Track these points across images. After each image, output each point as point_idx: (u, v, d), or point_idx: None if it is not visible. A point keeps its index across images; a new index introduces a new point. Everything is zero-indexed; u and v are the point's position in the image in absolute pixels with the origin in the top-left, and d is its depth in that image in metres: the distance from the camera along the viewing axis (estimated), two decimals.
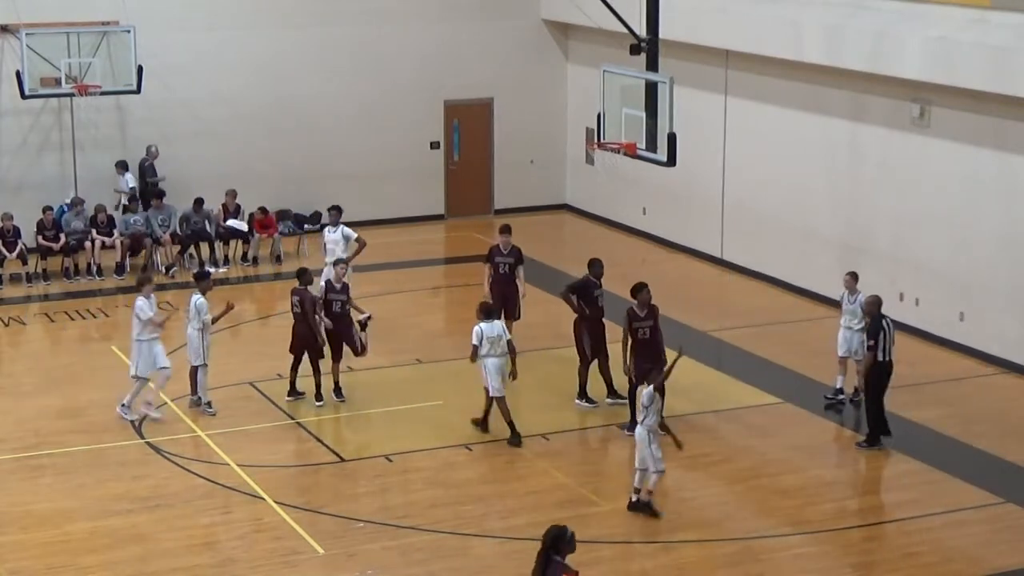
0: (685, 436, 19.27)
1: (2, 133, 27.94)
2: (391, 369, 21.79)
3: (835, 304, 21.06)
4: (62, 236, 26.64)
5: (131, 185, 27.82)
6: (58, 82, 26.57)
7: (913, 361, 21.42)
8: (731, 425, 19.84)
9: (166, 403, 20.28)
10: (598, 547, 16.21)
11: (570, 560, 11.72)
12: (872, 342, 18.71)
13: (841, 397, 20.42)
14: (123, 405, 19.69)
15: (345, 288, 20.48)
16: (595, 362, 20.22)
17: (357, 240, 23.30)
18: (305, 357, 20.16)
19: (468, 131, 31.27)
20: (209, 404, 19.99)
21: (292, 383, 20.37)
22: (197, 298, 20.00)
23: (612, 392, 20.20)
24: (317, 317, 19.97)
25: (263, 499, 17.35)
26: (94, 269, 26.69)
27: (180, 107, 28.75)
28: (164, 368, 19.75)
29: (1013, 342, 21.75)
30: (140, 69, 26.87)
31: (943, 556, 15.95)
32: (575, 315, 20.30)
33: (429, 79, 30.51)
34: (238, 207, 27.96)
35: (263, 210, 28.23)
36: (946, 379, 21.45)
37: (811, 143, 25.24)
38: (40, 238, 26.57)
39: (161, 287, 26.29)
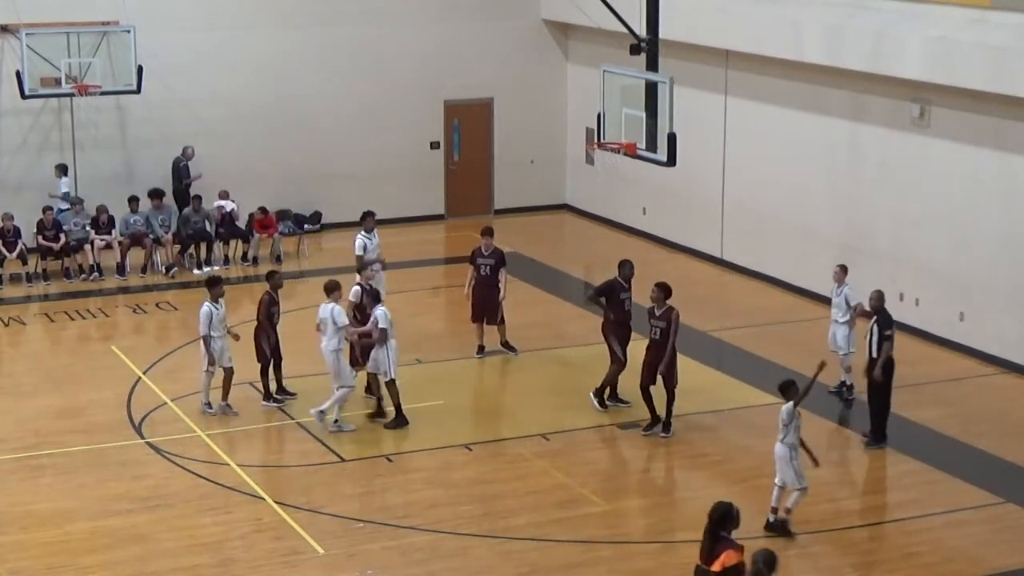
0: (685, 436, 19.33)
1: (2, 133, 27.94)
2: None
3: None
4: (62, 236, 26.64)
5: (64, 190, 27.33)
6: (58, 82, 26.57)
7: (913, 361, 21.40)
8: (731, 425, 19.83)
9: (164, 402, 20.30)
10: (598, 547, 16.22)
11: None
12: (889, 331, 18.68)
13: (845, 389, 20.45)
14: (320, 411, 19.30)
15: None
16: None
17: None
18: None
19: (468, 131, 31.27)
20: (209, 405, 19.96)
21: (278, 384, 20.41)
22: (201, 305, 19.74)
23: (614, 395, 20.16)
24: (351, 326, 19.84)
25: (263, 499, 17.35)
26: (94, 269, 26.67)
27: (180, 107, 28.75)
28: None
29: (1013, 342, 21.75)
30: (140, 69, 26.87)
31: (943, 556, 15.95)
32: (603, 318, 20.26)
33: (429, 79, 30.51)
34: (227, 195, 27.97)
35: (263, 210, 28.22)
36: (946, 379, 21.45)
37: (811, 143, 25.25)
38: (40, 238, 26.57)
39: (161, 287, 26.37)
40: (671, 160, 19.66)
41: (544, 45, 31.47)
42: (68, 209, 26.94)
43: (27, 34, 26.28)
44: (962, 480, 17.75)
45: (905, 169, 23.40)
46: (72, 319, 24.49)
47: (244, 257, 27.89)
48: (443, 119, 30.99)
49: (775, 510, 16.43)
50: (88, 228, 26.98)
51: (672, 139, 19.49)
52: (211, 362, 19.63)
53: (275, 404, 20.19)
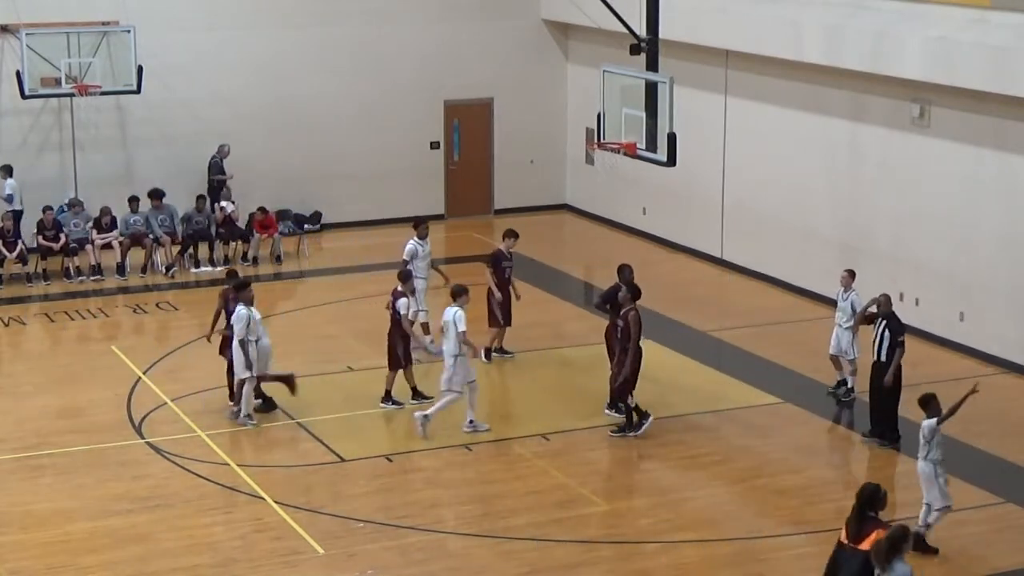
0: (685, 436, 19.33)
1: (2, 133, 27.93)
2: None
3: (835, 304, 21.03)
4: (62, 236, 26.64)
5: (7, 192, 27.01)
6: (58, 82, 26.57)
7: (913, 361, 21.36)
8: (731, 425, 19.83)
9: (164, 402, 20.30)
10: (598, 547, 16.22)
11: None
12: (902, 337, 18.69)
13: (844, 389, 20.44)
14: (425, 416, 19.21)
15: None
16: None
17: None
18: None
19: (468, 131, 31.27)
20: (250, 416, 19.65)
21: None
22: (239, 309, 19.49)
23: (612, 403, 20.06)
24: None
25: (263, 499, 17.34)
26: (94, 269, 26.67)
27: (180, 107, 28.75)
28: (473, 381, 19.39)
29: (1013, 342, 21.75)
30: (140, 69, 26.88)
31: (943, 556, 15.94)
32: (608, 323, 20.23)
33: (429, 79, 30.50)
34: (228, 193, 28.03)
35: (263, 210, 28.21)
36: (946, 379, 21.40)
37: (811, 143, 25.24)
38: (40, 238, 26.57)
39: (161, 287, 26.37)
40: (671, 160, 19.66)
41: (544, 45, 31.47)
42: (11, 210, 26.61)
43: (27, 34, 26.29)
44: (962, 480, 17.72)
45: (905, 169, 23.40)
46: (72, 319, 24.49)
47: (244, 257, 27.88)
48: (443, 119, 30.98)
49: (928, 526, 15.97)
50: (89, 228, 26.98)
51: (672, 139, 19.50)
52: (249, 367, 19.38)
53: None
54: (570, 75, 31.55)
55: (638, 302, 19.20)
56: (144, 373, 21.58)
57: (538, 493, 17.61)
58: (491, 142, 31.50)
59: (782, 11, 25.00)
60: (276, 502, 17.23)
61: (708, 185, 27.60)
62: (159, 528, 16.56)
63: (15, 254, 26.26)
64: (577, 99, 31.04)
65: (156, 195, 27.57)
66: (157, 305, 25.27)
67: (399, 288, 20.32)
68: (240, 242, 28.03)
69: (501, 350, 22.21)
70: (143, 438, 19.24)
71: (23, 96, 26.62)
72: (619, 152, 20.44)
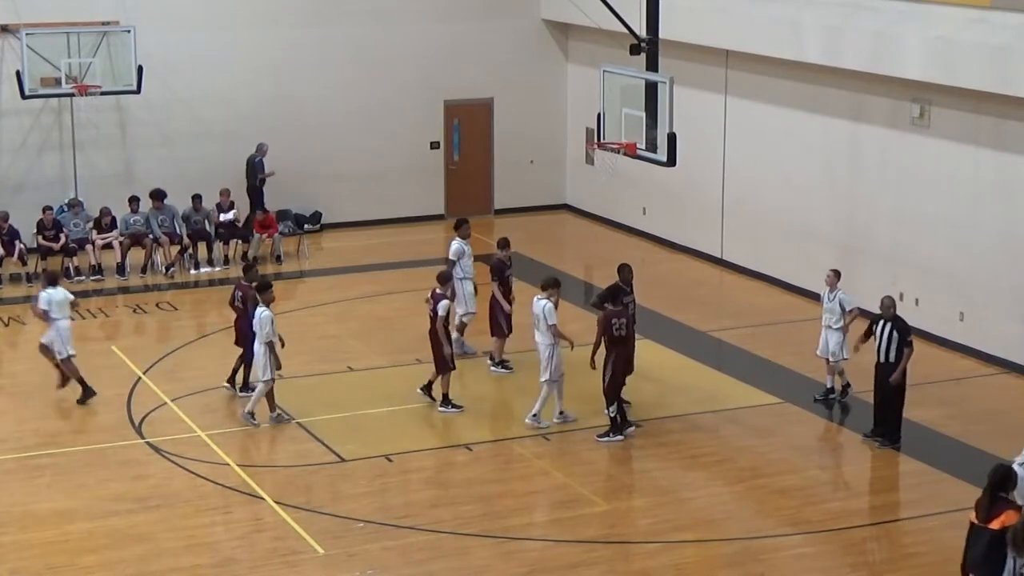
0: (685, 436, 19.34)
1: (2, 133, 27.93)
2: (391, 369, 21.78)
3: None
4: (62, 236, 26.64)
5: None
6: (58, 82, 26.57)
7: (913, 361, 21.35)
8: (731, 425, 19.83)
9: (164, 402, 20.31)
10: (598, 547, 16.22)
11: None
12: (910, 337, 18.70)
13: (832, 396, 20.42)
14: (534, 415, 19.36)
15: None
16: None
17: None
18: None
19: (468, 131, 31.27)
20: (278, 416, 19.72)
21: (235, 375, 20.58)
22: (261, 311, 19.51)
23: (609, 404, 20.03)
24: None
25: (263, 499, 17.35)
26: (94, 269, 26.67)
27: (180, 107, 28.76)
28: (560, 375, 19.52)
29: (1013, 342, 21.74)
30: (140, 69, 26.88)
31: (943, 556, 15.92)
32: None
33: (429, 79, 30.50)
34: (232, 203, 27.93)
35: (263, 210, 28.20)
36: (946, 379, 21.44)
37: (811, 143, 25.24)
38: (40, 238, 26.57)
39: (161, 287, 26.37)
40: (671, 160, 19.66)
41: (544, 45, 31.47)
42: None
43: (27, 34, 26.29)
44: (962, 480, 17.74)
45: (905, 169, 23.40)
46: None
47: (244, 257, 27.86)
48: (443, 119, 30.98)
49: None
50: (89, 228, 26.98)
51: (672, 139, 19.49)
52: (279, 367, 19.44)
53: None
54: (570, 75, 31.55)
55: (638, 303, 19.22)
56: (144, 373, 21.59)
57: (538, 493, 17.62)
58: (491, 142, 31.50)
59: (782, 11, 25.00)
60: (276, 502, 17.23)
61: (708, 185, 27.60)
62: (159, 528, 16.57)
63: (15, 255, 26.22)
64: (577, 99, 31.04)
65: (157, 196, 27.54)
66: (157, 305, 25.28)
67: (438, 290, 20.14)
68: (240, 242, 28.02)
69: (503, 363, 21.99)
70: (143, 438, 19.24)
71: (23, 96, 26.61)
72: (619, 152, 20.43)
